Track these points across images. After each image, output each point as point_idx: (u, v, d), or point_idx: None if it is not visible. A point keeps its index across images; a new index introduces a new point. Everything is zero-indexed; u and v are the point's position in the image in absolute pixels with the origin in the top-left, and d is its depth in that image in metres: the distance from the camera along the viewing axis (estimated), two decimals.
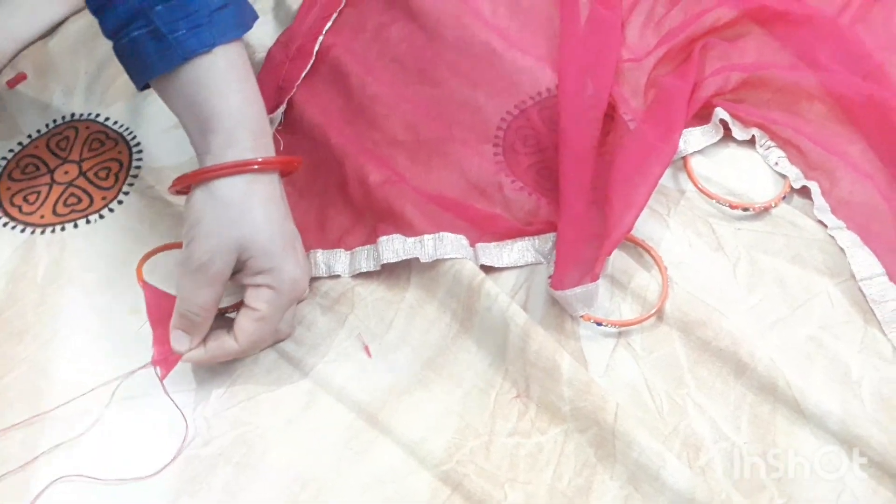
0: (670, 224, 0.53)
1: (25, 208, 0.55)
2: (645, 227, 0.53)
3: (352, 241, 0.53)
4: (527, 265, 0.52)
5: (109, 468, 0.44)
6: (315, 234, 0.53)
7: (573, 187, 0.52)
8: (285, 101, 0.58)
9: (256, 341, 0.46)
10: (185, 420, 0.45)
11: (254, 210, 0.44)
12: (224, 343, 0.46)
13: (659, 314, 0.49)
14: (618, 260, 0.51)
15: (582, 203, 0.52)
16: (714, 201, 0.54)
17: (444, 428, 0.45)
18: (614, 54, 0.59)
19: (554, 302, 0.50)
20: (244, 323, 0.45)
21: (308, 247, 0.52)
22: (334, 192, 0.55)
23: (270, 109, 0.57)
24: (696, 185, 0.55)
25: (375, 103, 0.58)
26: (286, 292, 0.45)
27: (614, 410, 0.44)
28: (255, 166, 0.44)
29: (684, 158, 0.56)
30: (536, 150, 0.56)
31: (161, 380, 0.46)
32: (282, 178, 0.48)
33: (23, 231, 0.54)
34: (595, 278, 0.48)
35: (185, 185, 0.45)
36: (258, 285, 0.45)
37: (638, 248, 0.52)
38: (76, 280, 0.52)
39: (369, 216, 0.53)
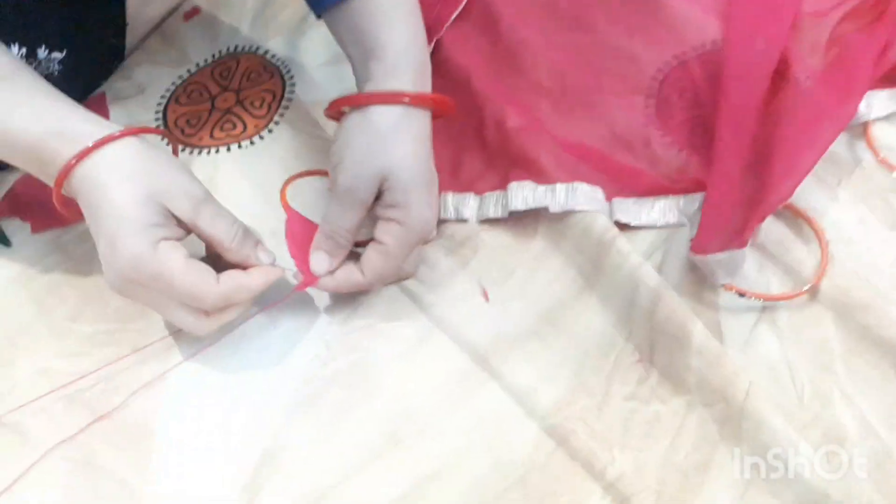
0: (840, 196, 0.48)
1: (187, 130, 0.59)
2: (809, 196, 0.48)
3: (483, 185, 0.52)
4: (667, 226, 0.48)
5: (232, 381, 0.46)
6: (447, 176, 0.53)
7: (730, 146, 0.48)
8: (433, 42, 0.58)
9: (381, 275, 0.46)
10: (309, 340, 0.47)
11: (402, 143, 0.44)
12: (351, 274, 0.47)
13: (813, 292, 0.44)
14: (772, 228, 0.47)
15: (738, 164, 0.48)
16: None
17: (555, 381, 0.44)
18: (792, 7, 0.53)
19: (693, 267, 0.46)
20: (371, 255, 0.46)
21: (440, 188, 0.51)
22: (471, 136, 0.54)
23: None
24: (876, 154, 0.49)
25: (524, 49, 0.56)
26: (415, 230, 0.45)
27: (746, 388, 0.40)
28: (407, 98, 0.44)
29: (865, 124, 0.50)
30: (693, 105, 0.52)
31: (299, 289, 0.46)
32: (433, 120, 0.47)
33: (182, 150, 0.58)
34: (743, 245, 0.44)
35: (340, 107, 0.46)
36: (389, 219, 0.45)
37: (798, 219, 0.47)
38: (223, 200, 0.54)
39: (503, 162, 0.51)
